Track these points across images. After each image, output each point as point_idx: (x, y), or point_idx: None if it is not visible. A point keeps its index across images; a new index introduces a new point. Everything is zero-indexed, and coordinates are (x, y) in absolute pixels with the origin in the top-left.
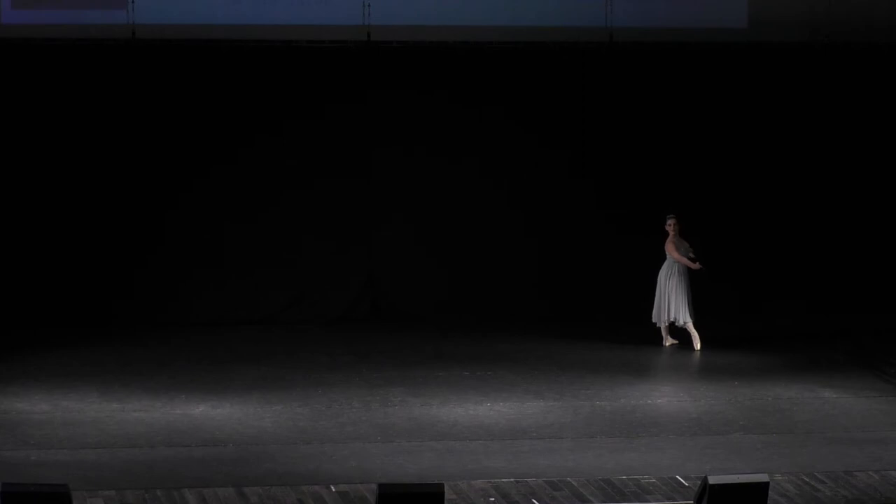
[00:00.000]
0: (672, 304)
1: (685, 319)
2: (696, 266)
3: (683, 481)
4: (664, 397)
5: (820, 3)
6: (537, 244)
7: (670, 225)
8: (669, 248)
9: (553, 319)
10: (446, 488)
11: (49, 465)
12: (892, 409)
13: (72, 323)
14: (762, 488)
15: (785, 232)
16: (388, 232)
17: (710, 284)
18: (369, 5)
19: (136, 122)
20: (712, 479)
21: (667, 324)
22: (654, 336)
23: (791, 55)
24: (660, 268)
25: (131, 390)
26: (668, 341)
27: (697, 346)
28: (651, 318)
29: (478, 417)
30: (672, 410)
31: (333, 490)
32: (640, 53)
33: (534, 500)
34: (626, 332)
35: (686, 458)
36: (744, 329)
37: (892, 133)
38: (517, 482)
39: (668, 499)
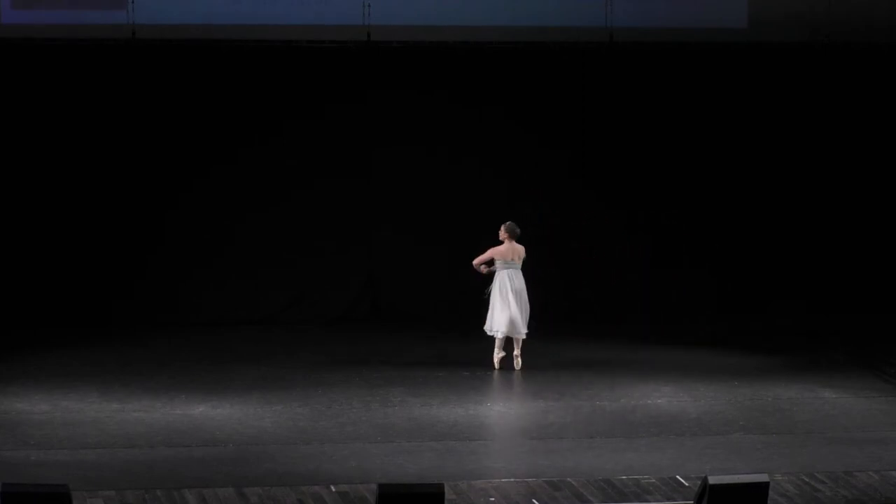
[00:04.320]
0: (497, 313)
1: (499, 329)
2: (483, 270)
3: (683, 481)
4: (664, 397)
5: (820, 3)
6: (537, 244)
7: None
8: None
9: (553, 319)
10: (446, 488)
11: (49, 465)
12: (892, 409)
13: (72, 323)
14: (762, 488)
15: (785, 232)
16: (388, 232)
17: (710, 284)
18: (369, 5)
19: (137, 123)
20: (712, 479)
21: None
22: (654, 336)
23: (791, 55)
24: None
25: (131, 390)
26: (500, 354)
27: (497, 362)
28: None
29: (478, 417)
30: (672, 410)
31: (333, 490)
32: (640, 53)
33: (534, 500)
34: (626, 332)
35: (686, 458)
36: (744, 329)
37: (892, 133)
38: (517, 482)
39: (668, 499)
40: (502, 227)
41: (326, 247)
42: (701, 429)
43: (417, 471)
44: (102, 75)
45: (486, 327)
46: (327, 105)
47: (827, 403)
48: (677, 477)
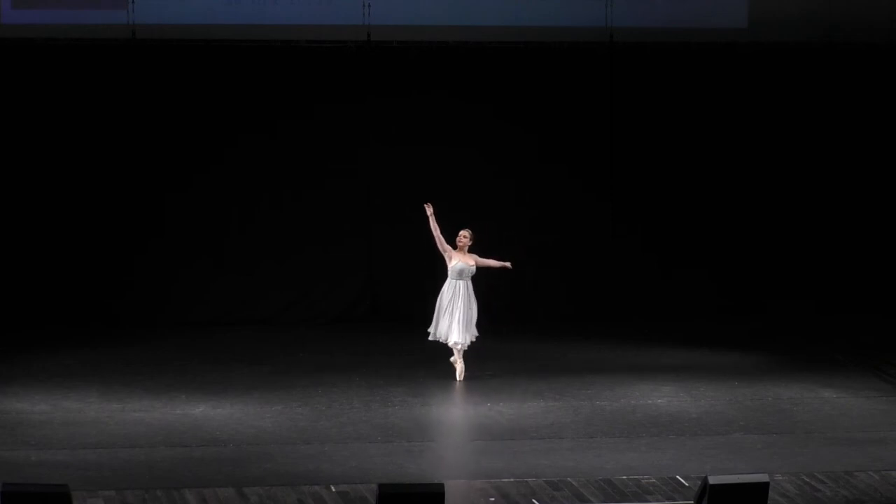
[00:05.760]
0: (455, 322)
1: (457, 340)
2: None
3: (683, 481)
4: (664, 397)
5: (820, 3)
6: (537, 244)
7: (467, 236)
8: (476, 260)
9: (553, 319)
10: (446, 488)
11: (49, 465)
12: (892, 409)
13: (72, 323)
14: (762, 488)
15: (785, 232)
16: (388, 231)
17: (710, 284)
18: (369, 5)
19: (137, 123)
20: (712, 479)
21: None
22: (654, 336)
23: (791, 55)
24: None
25: (131, 390)
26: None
27: (460, 376)
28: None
29: (478, 417)
30: (672, 410)
31: (333, 490)
32: (640, 53)
33: (534, 500)
34: (626, 332)
35: (686, 458)
36: (744, 329)
37: (892, 133)
38: (517, 482)
39: (668, 499)
40: (468, 233)
41: (326, 247)
42: (701, 429)
43: (417, 471)
44: (102, 75)
45: (464, 339)
46: (327, 105)
47: (827, 403)
48: (677, 477)
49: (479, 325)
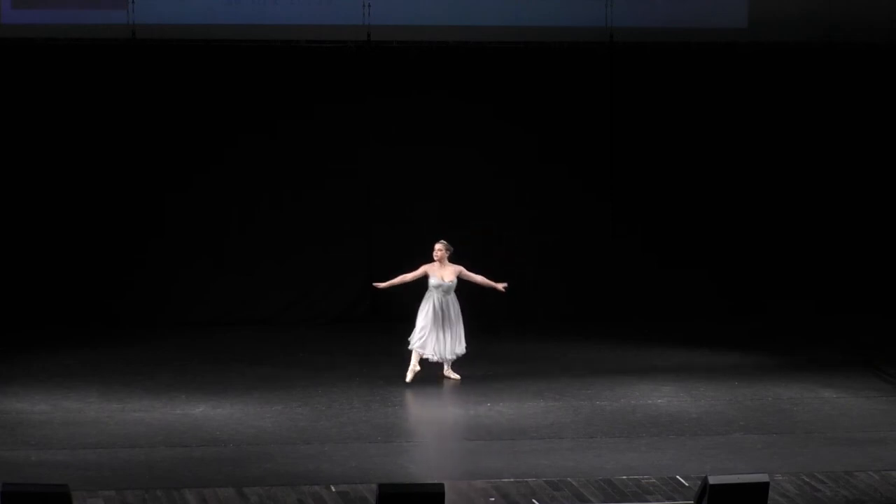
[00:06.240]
0: (444, 339)
1: (445, 356)
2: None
3: (683, 481)
4: (664, 397)
5: (820, 3)
6: (537, 244)
7: (441, 249)
8: (460, 273)
9: (553, 319)
10: (446, 488)
11: (49, 465)
12: (892, 409)
13: (72, 323)
14: (762, 488)
15: (786, 232)
16: (389, 231)
17: (710, 284)
18: (369, 5)
19: (136, 123)
20: (712, 479)
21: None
22: (654, 336)
23: (791, 55)
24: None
25: (131, 390)
26: (413, 372)
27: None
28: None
29: (478, 417)
30: (672, 410)
31: (333, 490)
32: (640, 53)
33: (534, 500)
34: (626, 332)
35: (686, 458)
36: (744, 329)
37: (892, 133)
38: (517, 482)
39: (668, 499)
40: (443, 246)
41: (326, 247)
42: (701, 429)
43: (417, 471)
44: (102, 75)
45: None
46: (327, 105)
47: (827, 403)
48: (677, 477)
49: (478, 325)
